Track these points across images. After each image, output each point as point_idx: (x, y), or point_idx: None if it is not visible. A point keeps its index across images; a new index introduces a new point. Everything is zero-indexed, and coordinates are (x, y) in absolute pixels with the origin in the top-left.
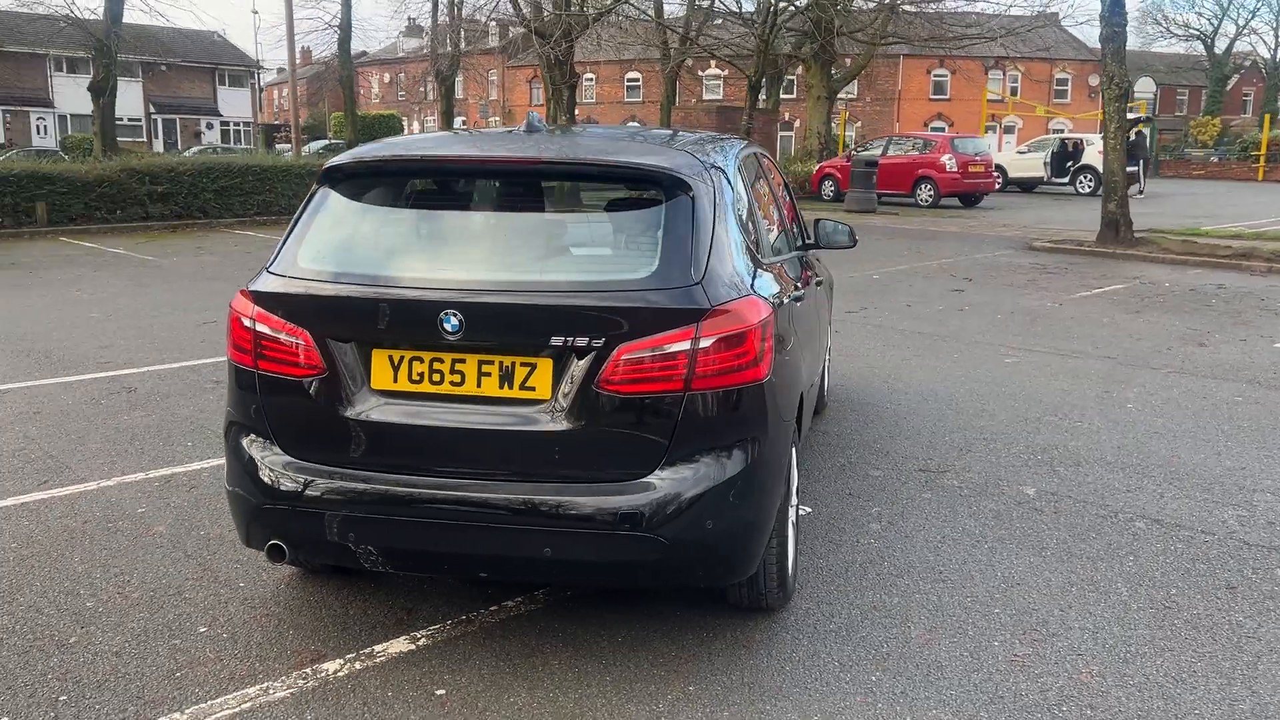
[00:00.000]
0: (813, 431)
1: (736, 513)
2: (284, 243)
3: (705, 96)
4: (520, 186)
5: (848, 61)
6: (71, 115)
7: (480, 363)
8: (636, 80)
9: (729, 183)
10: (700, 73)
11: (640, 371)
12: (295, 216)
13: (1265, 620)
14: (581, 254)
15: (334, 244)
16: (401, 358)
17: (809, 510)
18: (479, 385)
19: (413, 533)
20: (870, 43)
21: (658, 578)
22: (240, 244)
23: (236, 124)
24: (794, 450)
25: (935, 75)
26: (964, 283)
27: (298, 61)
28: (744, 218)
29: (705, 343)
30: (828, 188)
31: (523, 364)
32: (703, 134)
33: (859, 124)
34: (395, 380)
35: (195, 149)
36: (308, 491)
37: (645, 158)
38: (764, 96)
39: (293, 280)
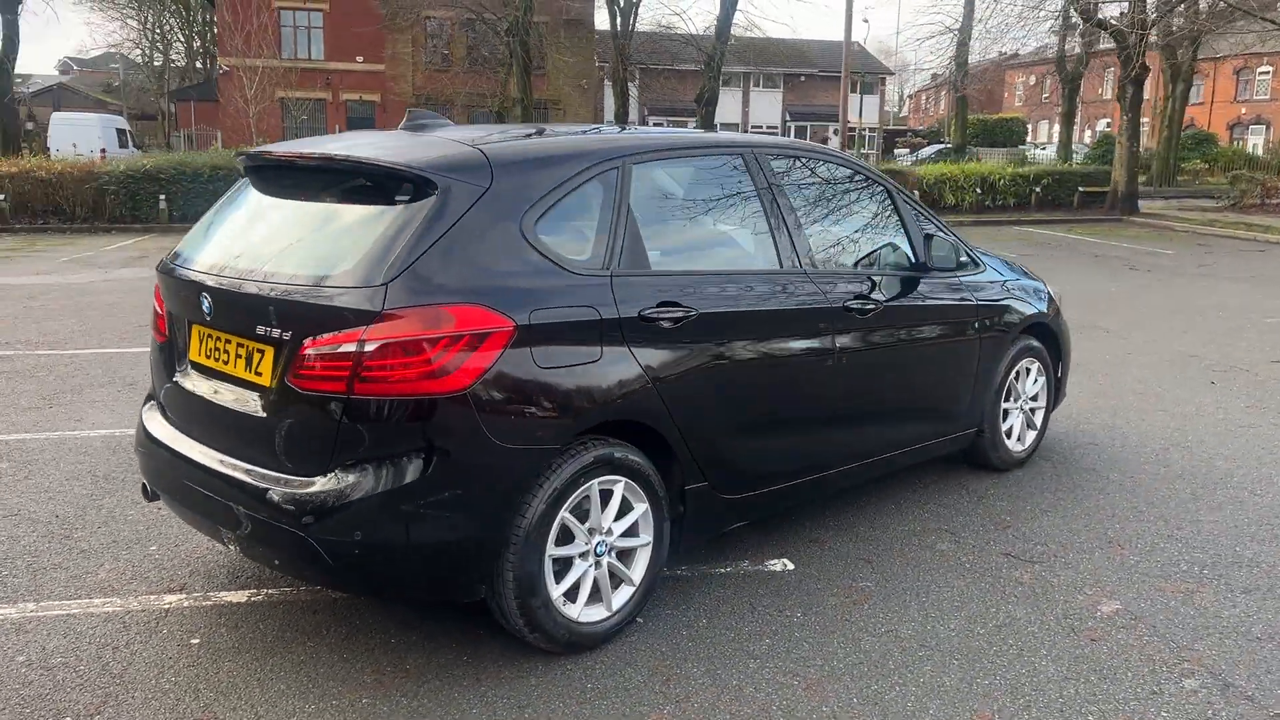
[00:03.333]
0: (951, 487)
1: (405, 529)
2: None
3: None
4: (297, 183)
5: None
6: (721, 124)
7: (237, 344)
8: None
9: (526, 182)
10: None
11: (314, 369)
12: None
13: None
14: (303, 248)
15: (198, 230)
16: (203, 334)
17: (789, 566)
18: (235, 365)
19: (195, 499)
20: None
21: (331, 581)
22: None
23: (862, 130)
24: (605, 486)
25: None
26: None
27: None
28: (552, 222)
29: (370, 346)
30: None
31: (256, 350)
32: (597, 128)
33: None
34: (199, 354)
35: None
36: (151, 441)
37: (397, 156)
38: None
39: (166, 260)
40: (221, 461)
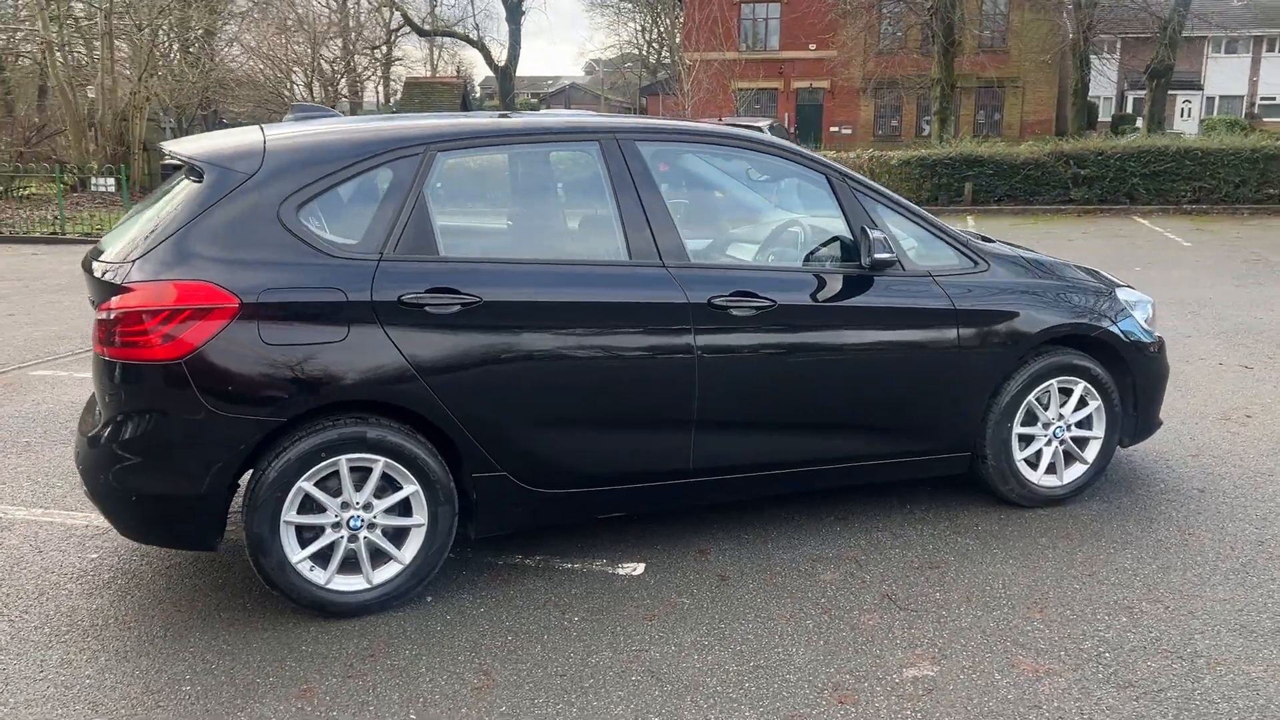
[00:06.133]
0: (935, 516)
1: (135, 479)
2: None
3: None
4: (175, 175)
5: None
6: (1220, 96)
7: None
8: None
9: (296, 170)
10: None
11: (95, 335)
12: None
13: None
14: (136, 231)
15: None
16: None
17: (637, 571)
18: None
19: None
20: None
21: (111, 525)
22: (1128, 233)
23: None
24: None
25: None
26: None
27: None
28: (319, 207)
29: (113, 316)
30: None
31: None
32: (424, 116)
33: None
34: None
35: None
36: None
37: (196, 148)
38: None
39: None
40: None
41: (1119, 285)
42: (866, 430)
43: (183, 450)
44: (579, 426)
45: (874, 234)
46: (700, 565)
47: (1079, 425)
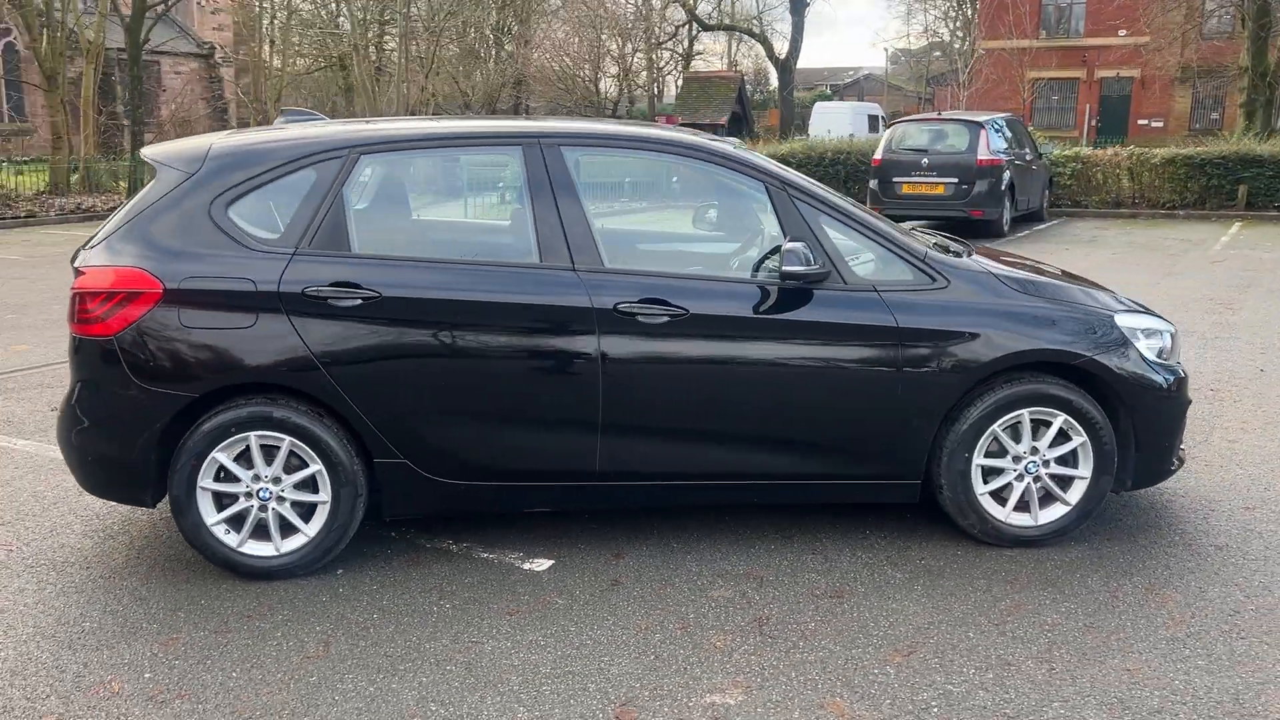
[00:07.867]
0: (889, 546)
1: (78, 438)
2: None
3: None
4: None
5: None
6: None
7: None
8: None
9: (231, 170)
10: None
11: (67, 310)
12: None
13: None
14: (119, 219)
15: None
16: None
17: (540, 568)
18: None
19: None
20: None
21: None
22: None
23: None
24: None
25: None
26: None
27: None
28: (247, 204)
29: (73, 293)
30: None
31: None
32: (371, 120)
33: None
34: None
35: None
36: None
37: (156, 148)
38: None
39: None
40: None
41: (1127, 310)
42: (794, 448)
43: (116, 417)
44: (479, 422)
45: (788, 245)
46: (605, 568)
47: (1059, 462)
